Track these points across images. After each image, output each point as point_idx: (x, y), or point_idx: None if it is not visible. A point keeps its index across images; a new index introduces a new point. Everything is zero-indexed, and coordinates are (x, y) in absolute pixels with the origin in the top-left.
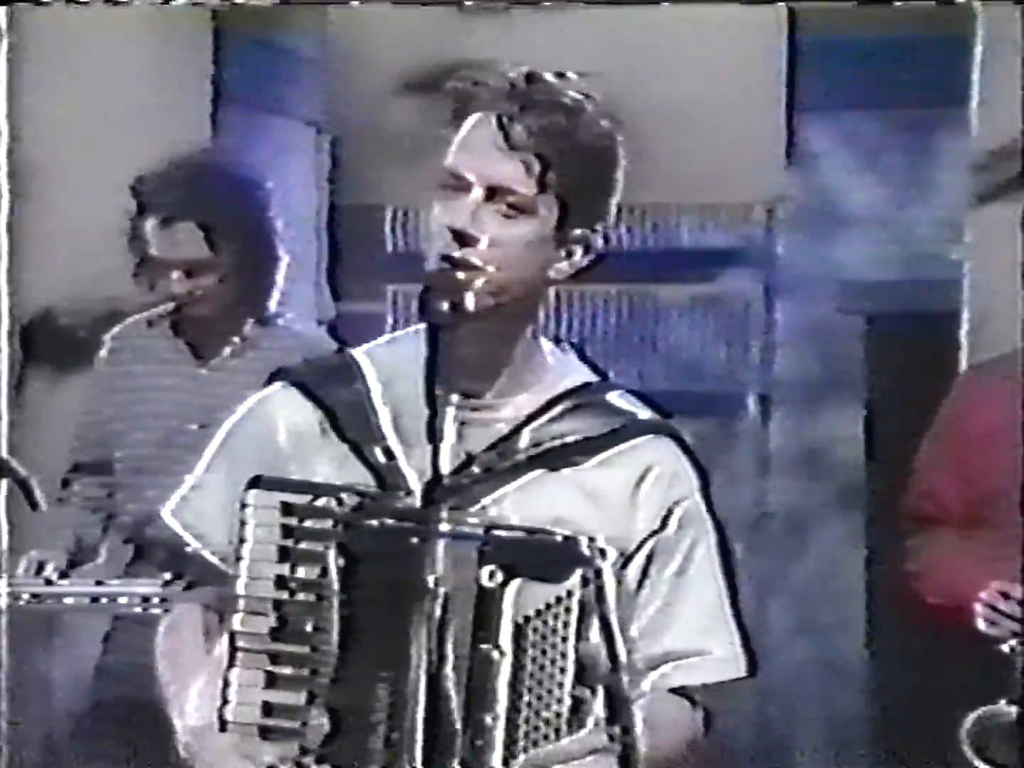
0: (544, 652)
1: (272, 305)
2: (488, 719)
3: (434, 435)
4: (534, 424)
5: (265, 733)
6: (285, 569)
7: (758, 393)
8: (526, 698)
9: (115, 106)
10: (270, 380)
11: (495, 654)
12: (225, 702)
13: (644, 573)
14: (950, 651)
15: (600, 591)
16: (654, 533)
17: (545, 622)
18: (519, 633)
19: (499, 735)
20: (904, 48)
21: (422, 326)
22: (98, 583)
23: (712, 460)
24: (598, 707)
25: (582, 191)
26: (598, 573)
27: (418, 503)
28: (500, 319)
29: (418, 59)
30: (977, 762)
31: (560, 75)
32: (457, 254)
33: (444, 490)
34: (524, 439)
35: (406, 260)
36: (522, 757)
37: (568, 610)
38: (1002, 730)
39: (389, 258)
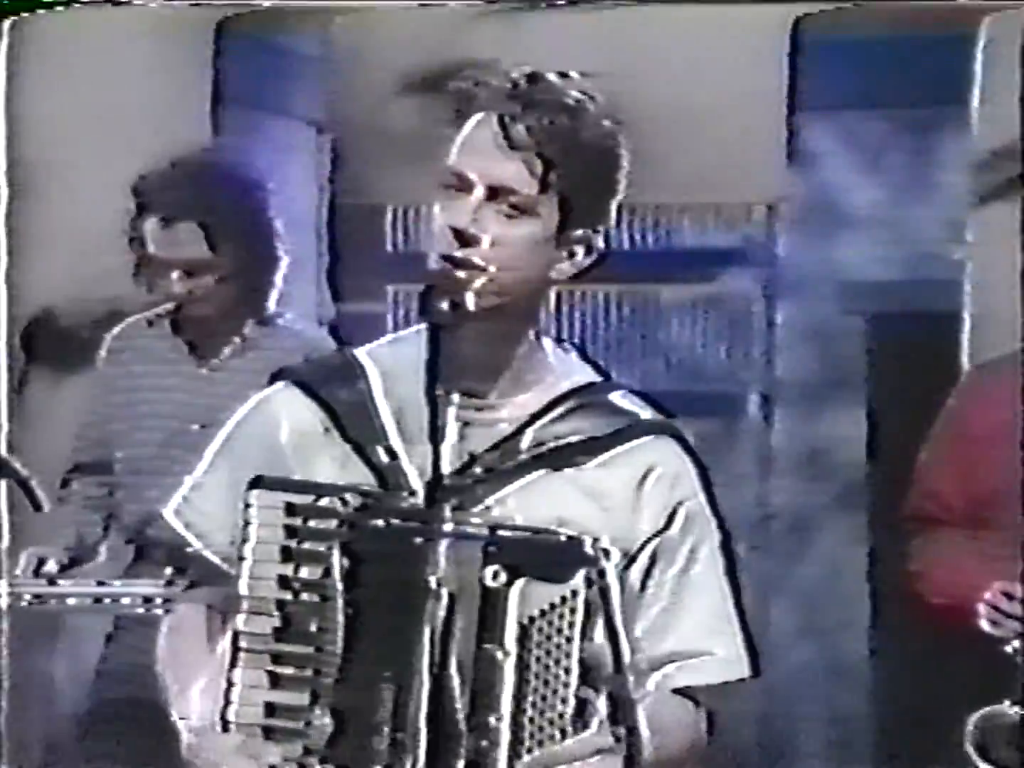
0: (549, 652)
1: (272, 305)
2: (493, 720)
3: (436, 435)
4: (537, 424)
5: (268, 733)
6: (288, 569)
7: (759, 393)
8: (531, 699)
9: (115, 105)
10: (272, 380)
11: (500, 654)
12: (228, 702)
13: (647, 574)
14: (953, 652)
15: (604, 591)
16: (657, 533)
17: (550, 622)
18: (524, 634)
19: (504, 736)
20: (906, 47)
21: (424, 326)
22: (100, 583)
23: (713, 460)
24: (602, 708)
25: (584, 191)
26: (602, 573)
27: (421, 503)
28: (502, 319)
29: (420, 59)
30: (980, 763)
31: (562, 75)
32: (459, 254)
33: (447, 490)
34: (527, 439)
35: (407, 260)
36: (527, 757)
37: (573, 610)
38: (1005, 731)
39: (390, 258)
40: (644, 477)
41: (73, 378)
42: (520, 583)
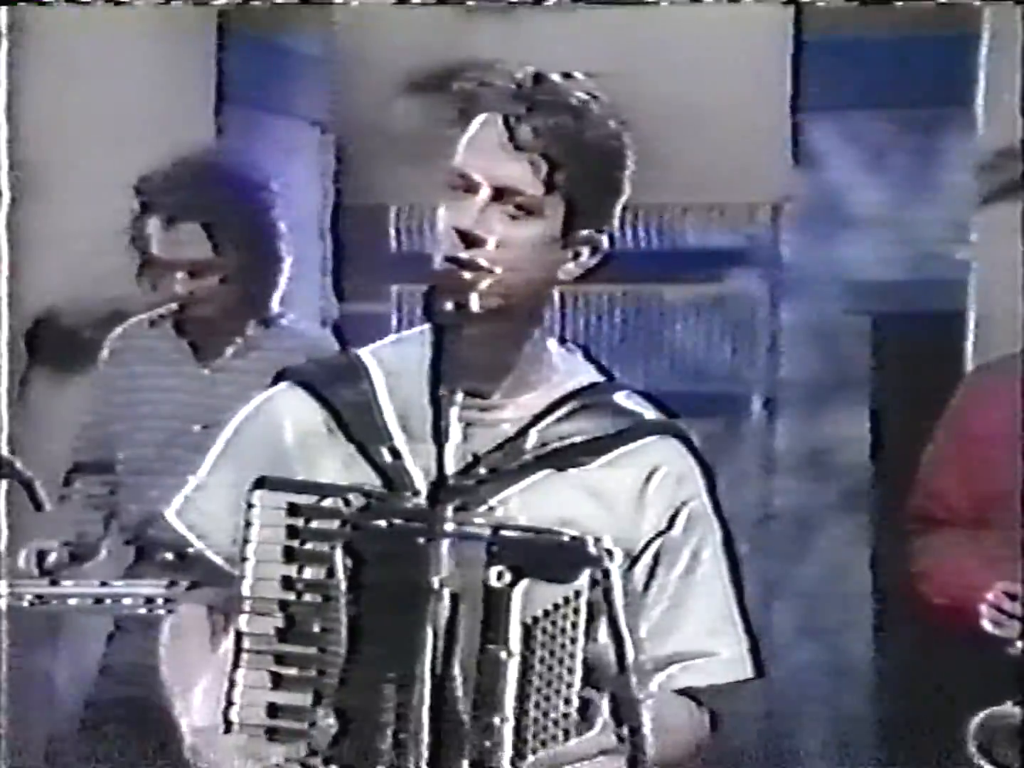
0: (552, 653)
1: (275, 306)
2: (497, 720)
3: (439, 435)
4: (541, 424)
5: (271, 734)
6: (291, 570)
7: (763, 393)
8: (535, 699)
9: (119, 105)
10: (276, 380)
11: (503, 655)
12: (230, 703)
13: (651, 574)
14: (956, 652)
15: (608, 592)
16: (661, 534)
17: (554, 623)
18: (527, 634)
19: (508, 736)
20: (910, 48)
21: (427, 326)
22: (102, 584)
23: (717, 461)
24: (606, 708)
25: (589, 192)
26: (606, 574)
27: (424, 503)
28: (506, 320)
29: (423, 59)
30: (983, 763)
31: (567, 75)
32: (464, 255)
33: (450, 490)
34: (531, 439)
35: (410, 260)
36: (531, 758)
37: (576, 611)
38: (1008, 732)
39: (393, 258)
40: (648, 477)
41: (75, 378)
42: (524, 583)
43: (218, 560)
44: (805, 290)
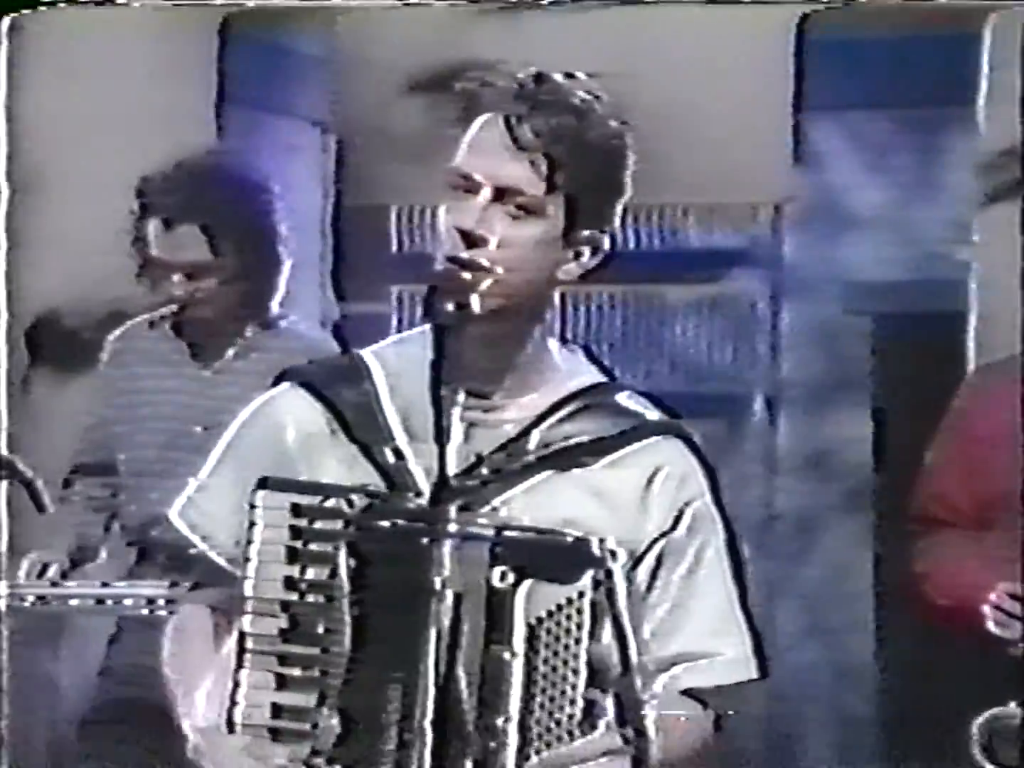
0: (556, 653)
1: (275, 308)
2: (500, 721)
3: (441, 436)
4: (543, 425)
5: (275, 734)
6: (294, 570)
7: (765, 394)
8: (539, 699)
9: (119, 106)
10: (278, 380)
11: (507, 655)
12: (234, 703)
13: (654, 575)
14: (959, 653)
15: (611, 592)
16: (664, 534)
17: (557, 623)
18: (531, 634)
19: (511, 737)
20: (911, 47)
21: (429, 326)
22: (104, 585)
23: (719, 461)
24: (610, 709)
25: (590, 192)
26: (609, 574)
27: (427, 504)
28: (507, 320)
29: (425, 59)
30: (986, 765)
31: (568, 76)
32: (465, 255)
33: (453, 491)
34: (533, 440)
35: (412, 261)
36: (535, 759)
37: (580, 611)
38: (1011, 733)
39: (394, 258)
40: (651, 478)
41: (76, 379)
42: (527, 584)
43: (221, 561)
44: (807, 290)
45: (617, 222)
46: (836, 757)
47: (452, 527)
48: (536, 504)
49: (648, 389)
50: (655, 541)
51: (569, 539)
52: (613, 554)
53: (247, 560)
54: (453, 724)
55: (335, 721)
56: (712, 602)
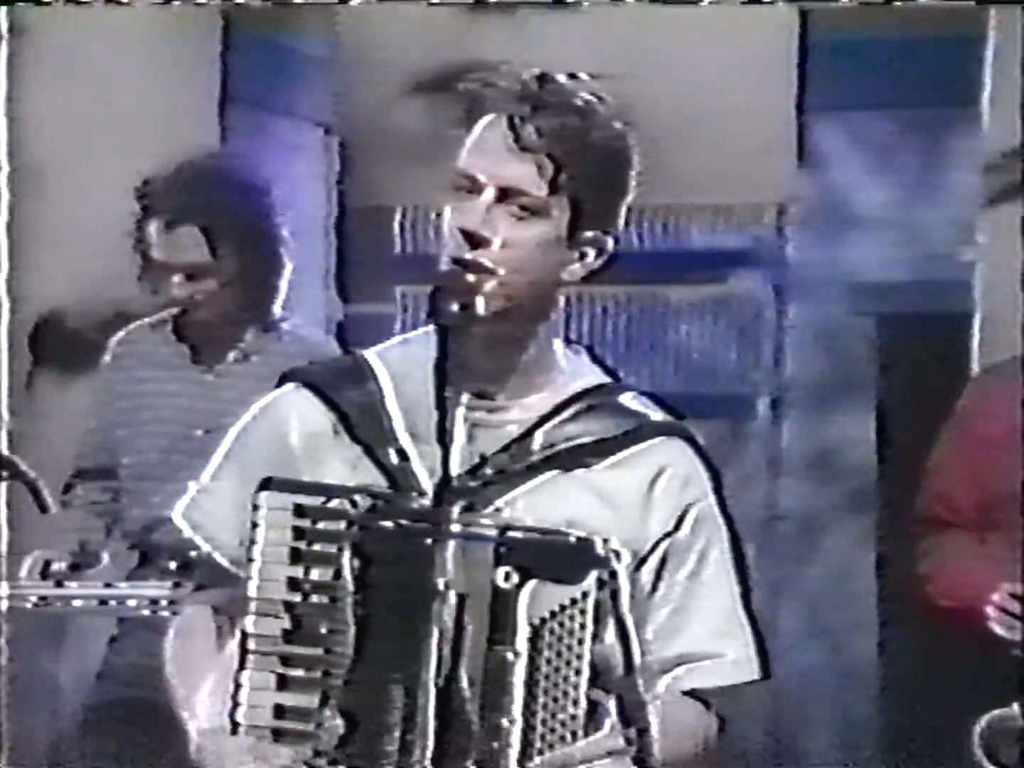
0: (560, 654)
1: (276, 311)
2: (504, 721)
3: (444, 436)
4: (547, 425)
5: (278, 735)
6: (298, 571)
7: (769, 395)
8: (542, 700)
9: (123, 107)
10: (282, 381)
11: (510, 656)
12: (237, 704)
13: (658, 575)
14: (961, 654)
15: (615, 593)
16: (668, 535)
17: (561, 624)
18: (534, 635)
19: (515, 737)
20: (915, 48)
21: (432, 327)
22: (107, 585)
23: (723, 462)
24: (613, 709)
25: (594, 192)
26: (613, 575)
27: (431, 505)
28: (511, 321)
29: (428, 60)
30: (988, 766)
31: (572, 76)
32: (468, 256)
33: (457, 492)
34: (537, 440)
35: (415, 261)
36: (538, 759)
37: (584, 612)
38: (1013, 734)
39: (398, 259)
40: (655, 478)
41: (79, 381)
42: (531, 584)
43: (224, 562)
44: (810, 291)
45: (621, 223)
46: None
47: (456, 527)
48: (540, 504)
49: (652, 389)
50: (659, 542)
51: (573, 539)
52: (617, 554)
53: (250, 561)
54: (456, 725)
55: (338, 722)
56: (716, 603)
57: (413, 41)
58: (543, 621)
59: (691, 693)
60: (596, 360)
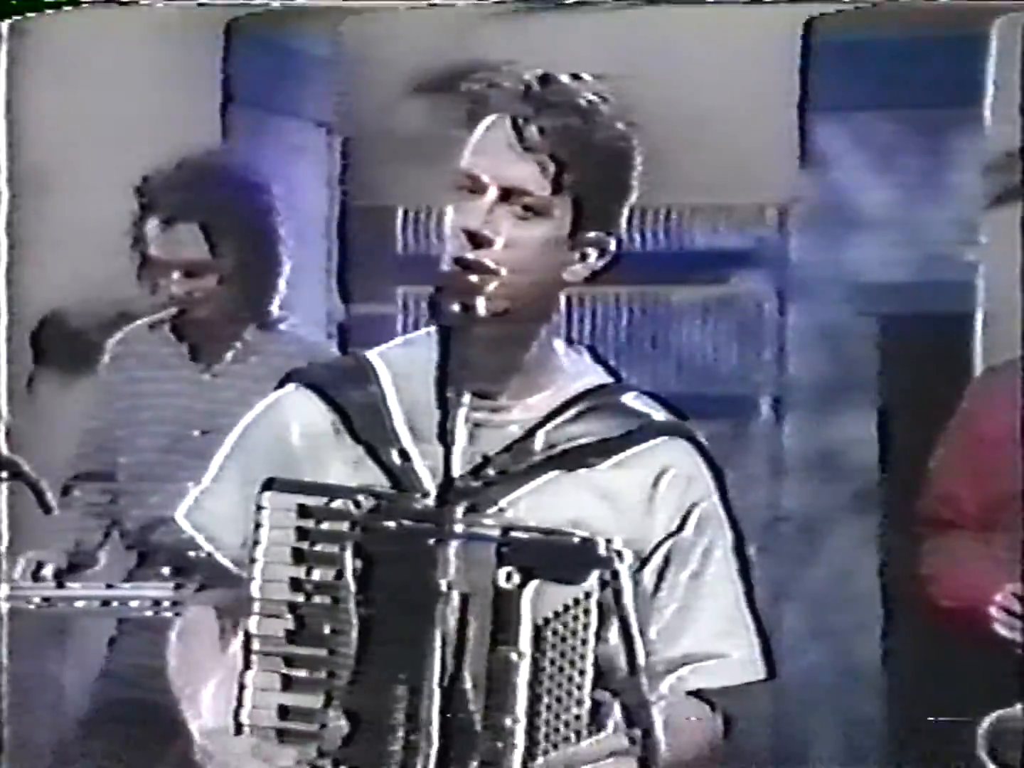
0: (563, 654)
1: (275, 309)
2: (508, 721)
3: (447, 437)
4: (549, 426)
5: (282, 736)
6: (300, 571)
7: (771, 395)
8: (545, 700)
9: (124, 108)
10: (284, 382)
11: (514, 656)
12: (240, 705)
13: (661, 576)
14: (965, 655)
15: (618, 593)
16: (671, 535)
17: (564, 624)
18: (538, 635)
19: (518, 737)
20: (918, 48)
21: (434, 327)
22: (109, 586)
23: (725, 462)
24: (617, 710)
25: (597, 193)
26: (616, 575)
27: (433, 505)
28: (514, 322)
29: (431, 60)
30: (992, 766)
31: (575, 77)
32: (471, 256)
33: (459, 492)
34: (539, 441)
35: (417, 262)
36: (541, 759)
37: (587, 612)
38: (1017, 735)
39: (400, 259)
40: (658, 478)
41: (81, 382)
42: (534, 584)
43: (227, 562)
44: (813, 291)
45: (623, 223)
46: (843, 758)
47: (458, 528)
48: (542, 505)
49: (654, 390)
50: (662, 542)
51: (575, 540)
52: (620, 555)
53: (253, 561)
54: (459, 725)
55: (342, 722)
56: (719, 603)
57: (417, 42)
58: (546, 621)
59: (695, 693)
60: (598, 360)
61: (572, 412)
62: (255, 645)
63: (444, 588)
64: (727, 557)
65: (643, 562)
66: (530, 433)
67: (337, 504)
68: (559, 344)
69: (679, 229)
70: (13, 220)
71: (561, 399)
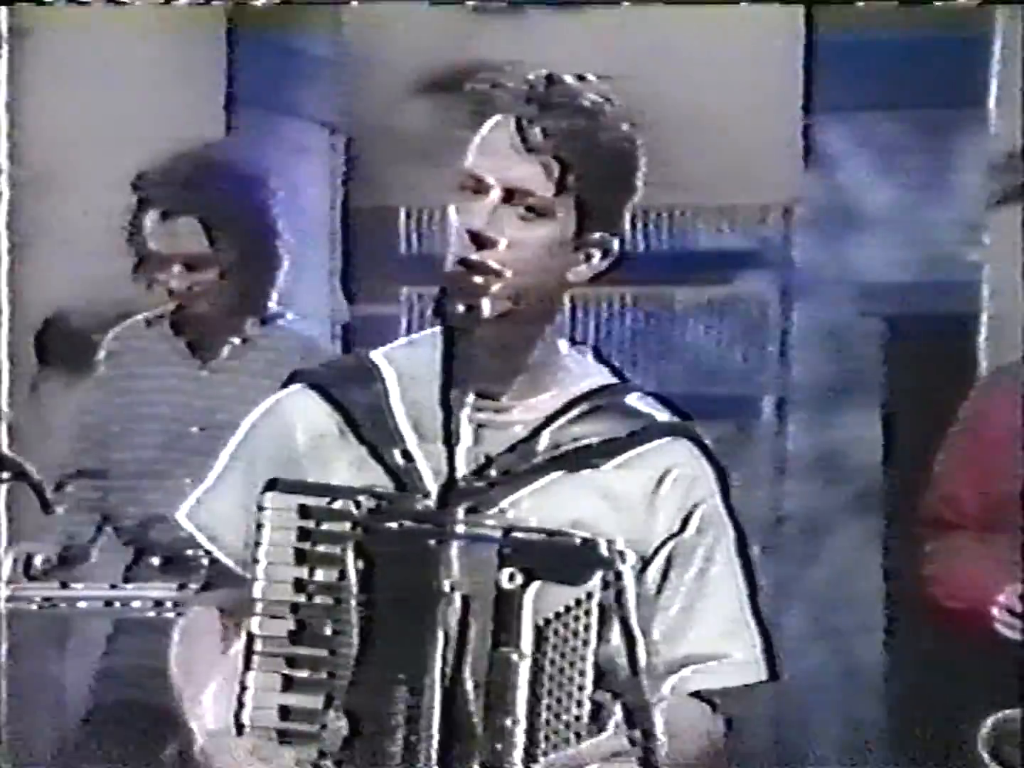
0: (564, 655)
1: (272, 304)
2: (508, 722)
3: (450, 437)
4: (552, 426)
5: (283, 736)
6: (302, 572)
7: (775, 396)
8: (546, 701)
9: (126, 107)
10: (288, 382)
11: (515, 657)
12: (242, 705)
13: (664, 576)
14: (967, 655)
15: (620, 594)
16: (673, 536)
17: (566, 624)
18: (539, 636)
19: (519, 738)
20: (922, 49)
21: (439, 328)
22: (112, 586)
23: (728, 463)
24: (618, 711)
25: (601, 194)
26: (618, 575)
27: (436, 505)
28: (517, 322)
29: (434, 60)
30: (993, 767)
31: (579, 77)
32: (475, 256)
33: (461, 492)
34: (542, 441)
35: (420, 262)
36: (542, 760)
37: (588, 612)
38: (1019, 735)
39: (403, 260)
40: (661, 479)
41: (83, 382)
42: (535, 585)
43: (229, 562)
44: (817, 292)
45: (627, 224)
46: (844, 758)
47: (460, 528)
48: (545, 505)
49: (658, 390)
50: (664, 543)
51: (578, 540)
52: (622, 555)
53: (255, 562)
54: (460, 726)
55: (342, 723)
56: (722, 604)
57: (420, 42)
58: (548, 622)
59: (697, 694)
60: (602, 361)
61: (576, 412)
62: (257, 645)
63: (446, 589)
64: (730, 558)
65: (645, 563)
66: (534, 434)
67: (338, 505)
68: (563, 344)
69: (683, 230)
70: (16, 221)
71: (565, 399)
